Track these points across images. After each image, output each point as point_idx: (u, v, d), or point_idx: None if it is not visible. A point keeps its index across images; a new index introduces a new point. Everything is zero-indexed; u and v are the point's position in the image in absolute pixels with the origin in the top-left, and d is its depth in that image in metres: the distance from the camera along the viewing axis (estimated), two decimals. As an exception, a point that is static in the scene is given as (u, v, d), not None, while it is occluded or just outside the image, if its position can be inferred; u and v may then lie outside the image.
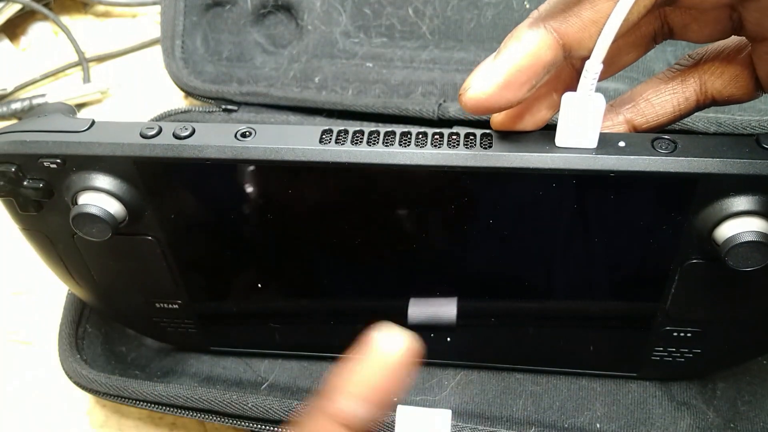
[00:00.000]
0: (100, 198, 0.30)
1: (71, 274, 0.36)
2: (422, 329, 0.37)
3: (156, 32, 0.59)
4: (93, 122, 0.30)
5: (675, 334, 0.34)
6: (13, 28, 0.62)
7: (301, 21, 0.49)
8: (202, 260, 0.35)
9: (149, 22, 0.62)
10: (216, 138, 0.29)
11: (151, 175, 0.30)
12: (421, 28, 0.48)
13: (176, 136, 0.29)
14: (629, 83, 0.45)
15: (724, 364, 0.36)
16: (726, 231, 0.27)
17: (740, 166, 0.26)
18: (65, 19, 0.61)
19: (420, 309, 0.36)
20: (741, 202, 0.27)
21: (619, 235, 0.30)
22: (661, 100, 0.29)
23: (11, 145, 0.30)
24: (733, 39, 0.28)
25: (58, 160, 0.30)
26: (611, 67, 0.29)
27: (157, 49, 0.55)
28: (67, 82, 0.60)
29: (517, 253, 0.32)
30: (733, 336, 0.34)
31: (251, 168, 0.30)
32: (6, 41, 0.61)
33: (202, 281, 0.36)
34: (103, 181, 0.30)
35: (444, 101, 0.45)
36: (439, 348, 0.38)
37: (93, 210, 0.29)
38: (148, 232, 0.33)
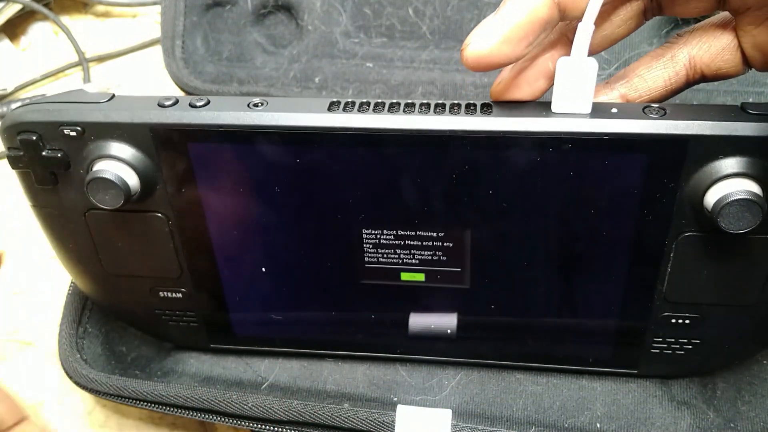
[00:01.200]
0: (116, 165, 0.31)
1: (78, 258, 0.36)
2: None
3: (156, 32, 0.59)
4: (113, 95, 0.32)
5: (673, 321, 0.34)
6: (13, 28, 0.61)
7: (301, 21, 0.49)
8: (207, 242, 0.35)
9: (149, 22, 0.62)
10: (229, 107, 0.31)
11: (166, 145, 0.31)
12: (422, 28, 0.48)
13: (192, 105, 0.31)
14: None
15: (724, 358, 0.36)
16: (716, 193, 0.28)
17: (727, 128, 0.28)
18: (65, 19, 0.61)
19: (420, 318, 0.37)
20: (729, 165, 0.28)
21: (614, 207, 0.31)
22: (652, 75, 0.31)
23: (34, 114, 0.31)
24: (719, 14, 0.30)
25: (78, 128, 0.31)
26: (603, 40, 0.31)
27: (158, 49, 0.55)
28: (67, 82, 0.60)
29: (515, 227, 0.32)
30: (732, 326, 0.34)
31: (261, 139, 0.31)
32: (6, 41, 0.61)
33: (206, 266, 0.36)
34: (119, 149, 0.31)
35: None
36: (440, 345, 0.38)
37: (108, 175, 0.31)
38: (158, 209, 0.34)
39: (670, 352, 0.35)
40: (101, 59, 0.60)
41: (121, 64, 0.60)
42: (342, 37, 0.49)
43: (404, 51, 0.48)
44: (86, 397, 0.44)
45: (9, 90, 0.58)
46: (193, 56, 0.50)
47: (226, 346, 0.40)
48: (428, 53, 0.48)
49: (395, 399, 0.39)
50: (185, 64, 0.50)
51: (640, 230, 0.31)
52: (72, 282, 0.41)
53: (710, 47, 0.30)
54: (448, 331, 0.37)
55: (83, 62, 0.59)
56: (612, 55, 0.45)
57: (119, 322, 0.42)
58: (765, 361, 0.38)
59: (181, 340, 0.40)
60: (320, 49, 0.49)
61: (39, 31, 0.62)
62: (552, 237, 0.33)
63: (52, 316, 0.47)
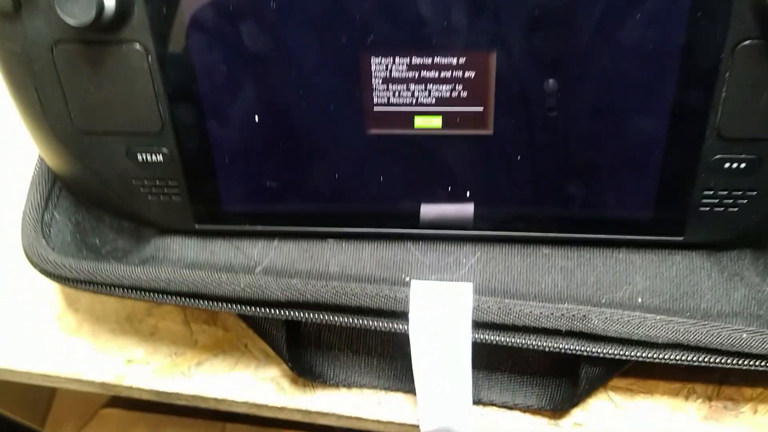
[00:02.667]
0: None
1: (44, 111, 0.32)
2: (436, 188, 0.33)
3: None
4: None
5: (727, 165, 0.29)
6: None
7: None
8: (192, 82, 0.31)
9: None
10: None
11: None
12: None
13: None
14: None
15: None
16: None
17: None
18: None
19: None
20: None
21: (661, 10, 0.27)
22: None
23: None
24: None
25: None
26: None
27: None
28: None
29: (546, 44, 0.28)
30: None
31: None
32: None
33: (191, 114, 0.31)
34: None
35: None
36: (456, 215, 0.33)
37: None
38: (136, 37, 0.29)
39: (721, 209, 0.31)
40: None
41: None
42: None
43: None
44: (56, 301, 0.39)
45: None
46: None
47: (214, 226, 0.35)
48: None
49: (408, 279, 0.34)
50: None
51: (691, 40, 0.27)
52: (39, 160, 0.36)
53: None
54: (467, 193, 0.33)
55: None
56: None
57: (91, 212, 0.37)
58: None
59: (162, 219, 0.35)
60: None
61: None
62: (590, 55, 0.28)
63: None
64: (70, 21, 0.27)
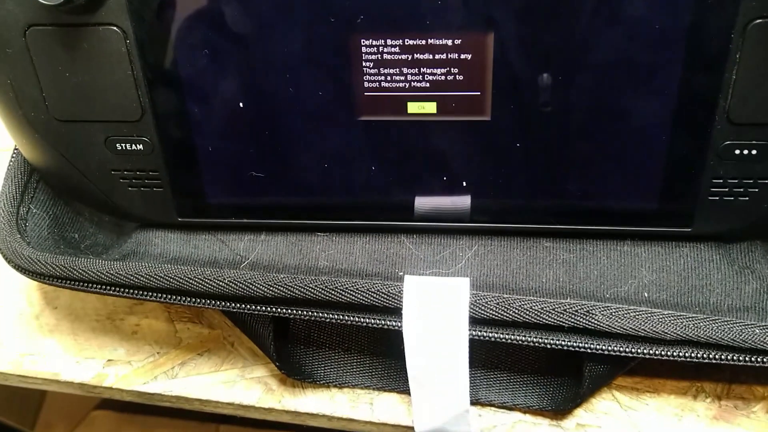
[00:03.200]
0: None
1: (19, 100, 0.30)
2: (431, 178, 0.31)
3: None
4: None
5: (738, 152, 0.28)
6: None
7: None
8: (173, 67, 0.29)
9: None
10: None
11: None
12: None
13: None
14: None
15: None
16: None
17: None
18: None
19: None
20: None
21: None
22: None
23: None
24: None
25: None
26: None
27: None
28: None
29: (548, 25, 0.27)
30: None
31: None
32: None
33: (173, 102, 0.30)
34: None
35: None
36: (452, 208, 0.32)
37: None
38: (113, 20, 0.28)
39: (731, 198, 0.30)
40: None
41: None
42: None
43: None
44: (34, 299, 0.37)
45: None
46: None
47: (197, 219, 0.34)
48: None
49: (401, 274, 0.33)
50: None
51: (699, 18, 0.25)
52: (15, 151, 0.34)
53: None
54: (464, 183, 0.31)
55: None
56: None
57: (70, 205, 0.36)
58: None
59: (143, 212, 0.34)
60: None
61: None
62: (593, 36, 0.27)
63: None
64: (43, 0, 0.26)
